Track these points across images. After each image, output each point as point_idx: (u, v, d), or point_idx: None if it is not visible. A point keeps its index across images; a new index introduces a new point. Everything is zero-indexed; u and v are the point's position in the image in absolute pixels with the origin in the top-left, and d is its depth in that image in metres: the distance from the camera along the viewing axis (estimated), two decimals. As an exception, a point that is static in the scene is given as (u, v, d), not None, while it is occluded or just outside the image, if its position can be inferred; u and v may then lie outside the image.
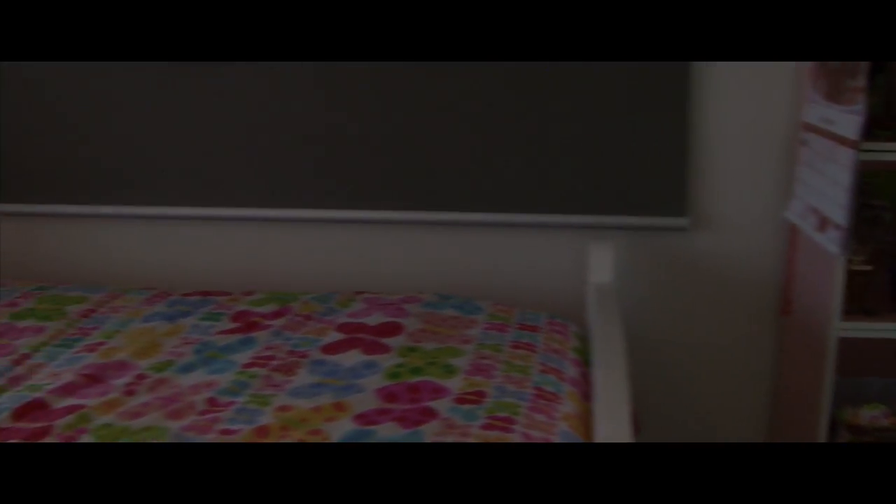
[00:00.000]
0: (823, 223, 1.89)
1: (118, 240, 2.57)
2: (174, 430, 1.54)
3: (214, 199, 2.45)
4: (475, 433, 1.51)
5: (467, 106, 2.27)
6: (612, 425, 1.43)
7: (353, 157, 2.35)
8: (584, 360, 1.91)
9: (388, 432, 1.51)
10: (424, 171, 2.33)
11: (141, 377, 1.78)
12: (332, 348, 1.89)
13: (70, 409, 1.65)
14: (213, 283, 2.50)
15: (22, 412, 1.64)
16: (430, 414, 1.58)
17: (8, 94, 2.45)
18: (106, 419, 1.60)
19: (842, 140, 1.80)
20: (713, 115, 2.24)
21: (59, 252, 2.61)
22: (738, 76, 2.21)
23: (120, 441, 1.50)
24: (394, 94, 2.29)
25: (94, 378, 1.79)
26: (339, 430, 1.52)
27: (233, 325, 2.04)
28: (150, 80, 2.38)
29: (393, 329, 2.00)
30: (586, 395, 1.74)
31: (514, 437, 1.50)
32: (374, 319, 2.05)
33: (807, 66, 2.09)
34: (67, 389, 1.74)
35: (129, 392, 1.72)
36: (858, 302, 1.94)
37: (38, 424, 1.59)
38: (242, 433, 1.52)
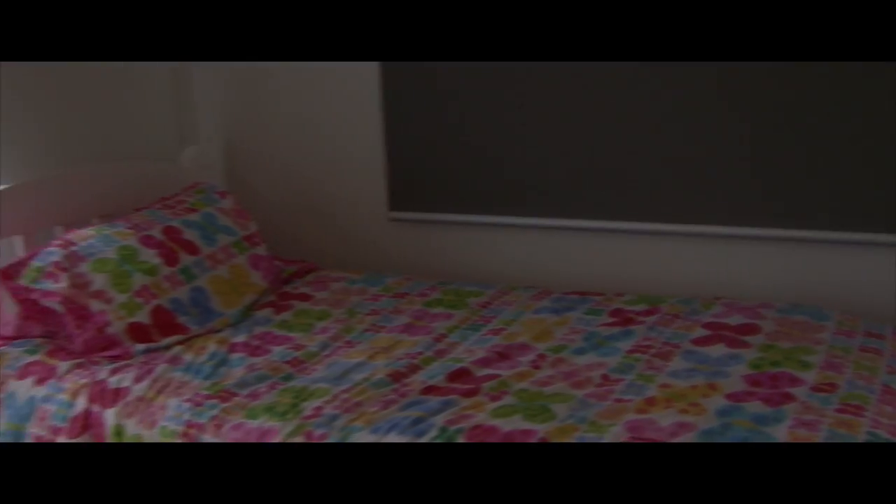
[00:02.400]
0: None
1: (503, 245, 3.09)
2: (578, 397, 2.00)
3: (588, 212, 2.92)
4: (830, 415, 1.85)
5: (804, 118, 2.58)
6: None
7: (715, 174, 2.73)
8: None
9: (755, 409, 1.89)
10: (785, 187, 2.65)
11: (542, 356, 2.27)
12: (700, 342, 2.29)
13: (490, 377, 2.16)
14: (584, 284, 2.95)
15: (454, 376, 2.18)
16: (790, 398, 1.94)
17: (428, 118, 3.05)
18: (521, 385, 2.09)
19: None
20: None
21: (453, 254, 3.18)
22: None
23: (535, 403, 1.98)
24: (765, 113, 2.65)
25: (503, 355, 2.29)
26: (714, 405, 1.91)
27: (611, 320, 2.48)
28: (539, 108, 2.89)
29: (751, 329, 2.36)
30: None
31: (864, 423, 1.82)
32: (734, 320, 2.43)
33: None
34: (484, 362, 2.25)
35: (536, 366, 2.20)
36: None
37: (469, 386, 2.11)
38: (634, 402, 1.95)
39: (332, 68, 3.20)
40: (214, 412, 2.09)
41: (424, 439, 1.84)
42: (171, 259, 2.69)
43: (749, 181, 2.69)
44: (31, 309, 2.58)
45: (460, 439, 1.82)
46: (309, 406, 2.05)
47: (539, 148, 2.93)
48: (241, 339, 2.52)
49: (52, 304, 2.51)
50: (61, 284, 2.50)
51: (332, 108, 3.27)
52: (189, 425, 2.09)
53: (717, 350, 2.23)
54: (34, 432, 2.33)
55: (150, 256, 2.65)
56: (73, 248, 2.60)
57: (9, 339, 2.65)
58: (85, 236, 2.67)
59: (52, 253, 2.58)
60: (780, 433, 1.77)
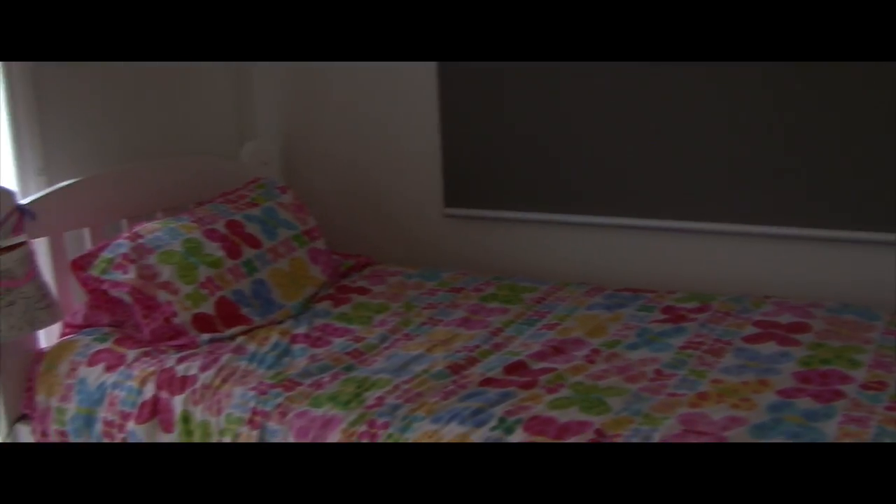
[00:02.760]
0: None
1: (555, 242, 3.17)
2: (632, 390, 2.07)
3: (639, 211, 2.98)
4: (880, 412, 1.91)
5: (855, 117, 2.62)
6: None
7: (766, 175, 2.78)
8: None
9: (805, 405, 1.95)
10: (835, 188, 2.70)
11: (596, 351, 2.34)
12: (750, 339, 2.35)
13: (546, 370, 2.23)
14: (634, 282, 3.01)
15: (511, 369, 2.25)
16: (840, 395, 2.00)
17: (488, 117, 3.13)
18: (577, 379, 2.17)
19: None
20: None
21: (506, 250, 3.26)
22: None
23: (590, 396, 2.05)
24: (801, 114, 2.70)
25: (558, 349, 2.37)
26: (765, 400, 1.97)
27: (663, 317, 2.55)
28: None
29: (801, 328, 2.41)
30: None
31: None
32: (784, 319, 2.48)
33: None
34: (540, 355, 2.33)
35: (590, 361, 2.28)
36: None
37: (525, 378, 2.19)
38: (687, 397, 2.02)
39: (390, 66, 3.29)
40: (279, 400, 2.19)
41: (484, 429, 1.92)
42: (233, 252, 2.79)
43: (798, 181, 2.74)
44: (100, 299, 2.70)
45: (519, 430, 1.90)
46: (371, 396, 2.14)
47: (593, 147, 3.00)
48: (302, 330, 2.61)
49: (121, 294, 2.62)
50: (130, 275, 2.61)
51: (388, 106, 3.36)
52: (255, 412, 2.18)
53: (768, 348, 2.28)
54: (105, 417, 2.44)
55: (214, 249, 2.75)
56: (141, 241, 2.70)
57: (77, 328, 2.77)
58: (151, 229, 2.77)
59: (121, 245, 2.69)
60: (831, 429, 1.83)
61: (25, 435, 2.71)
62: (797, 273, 2.83)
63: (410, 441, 1.96)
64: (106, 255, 2.67)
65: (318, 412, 2.11)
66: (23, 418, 2.75)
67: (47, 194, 2.82)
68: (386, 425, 2.02)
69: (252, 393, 2.24)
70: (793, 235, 2.79)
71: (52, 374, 2.61)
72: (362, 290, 2.94)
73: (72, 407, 2.52)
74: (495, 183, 3.19)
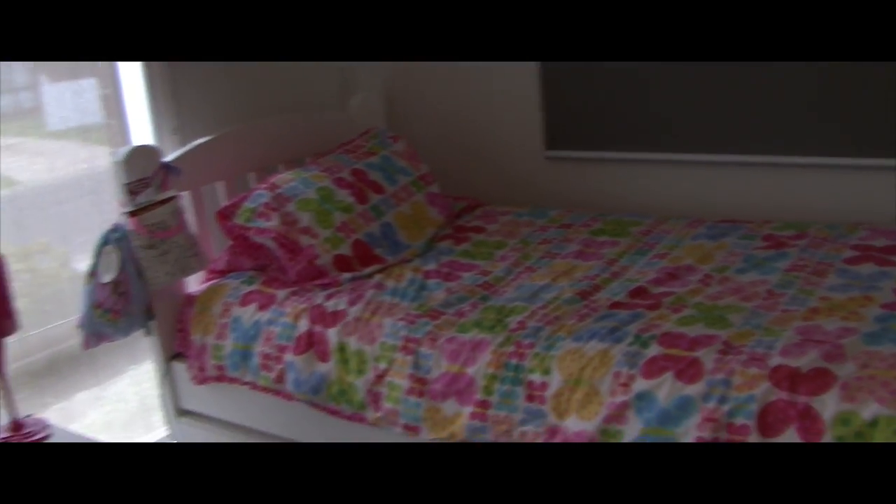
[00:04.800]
0: None
1: (650, 179, 3.44)
2: (749, 308, 2.35)
3: (732, 147, 3.23)
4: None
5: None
6: None
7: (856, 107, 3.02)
8: None
9: (910, 317, 2.22)
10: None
11: (708, 276, 2.62)
12: (850, 261, 2.61)
13: (666, 294, 2.52)
14: (729, 214, 3.27)
15: (634, 293, 2.54)
16: (940, 305, 2.26)
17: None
18: (696, 300, 2.45)
19: None
20: None
21: (604, 188, 3.54)
22: None
23: (712, 314, 2.33)
24: None
25: (672, 275, 2.65)
26: (871, 313, 2.24)
27: (765, 244, 2.82)
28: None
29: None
30: None
31: None
32: (879, 242, 2.73)
33: None
34: (658, 281, 2.62)
35: (705, 284, 2.56)
36: None
37: (649, 301, 2.48)
38: (800, 311, 2.29)
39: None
40: (428, 328, 2.49)
41: (622, 345, 2.21)
42: (361, 198, 3.09)
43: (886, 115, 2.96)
44: (242, 245, 3.02)
45: (654, 344, 2.19)
46: (513, 321, 2.44)
47: (688, 85, 3.25)
48: (431, 267, 2.92)
49: (265, 240, 2.93)
50: (273, 223, 2.92)
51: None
52: (407, 340, 2.49)
53: (867, 268, 2.54)
54: (261, 351, 2.76)
55: (345, 196, 3.06)
56: (279, 191, 3.01)
57: (220, 273, 3.10)
58: (286, 180, 3.08)
59: (261, 195, 3.00)
60: (934, 334, 2.09)
61: (181, 371, 3.06)
62: (882, 202, 3.05)
63: (555, 356, 2.25)
64: (248, 205, 2.98)
65: (467, 337, 2.42)
66: (176, 357, 3.10)
67: (186, 151, 3.13)
68: (531, 345, 2.31)
69: (402, 323, 2.54)
70: (877, 166, 3.01)
71: (206, 315, 2.94)
72: (478, 229, 3.24)
73: (228, 343, 2.85)
74: (593, 125, 3.46)
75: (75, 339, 3.00)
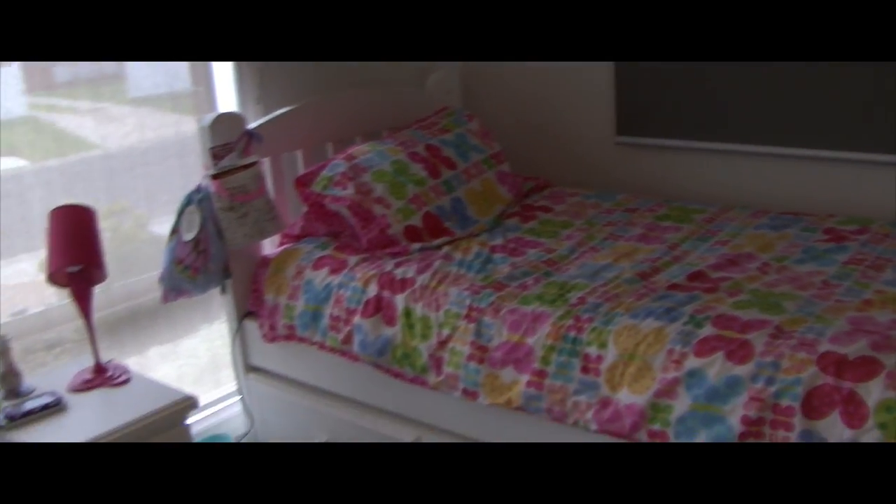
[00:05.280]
0: None
1: (717, 169, 3.51)
2: (804, 297, 2.42)
3: (797, 140, 3.29)
4: None
5: None
6: None
7: None
8: None
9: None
10: None
11: (766, 264, 2.70)
12: (909, 257, 2.67)
13: (724, 279, 2.60)
14: (792, 206, 3.33)
15: (692, 277, 2.63)
16: None
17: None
18: (753, 286, 2.53)
19: None
20: None
21: (670, 176, 3.62)
22: None
23: (768, 300, 2.41)
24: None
25: (732, 262, 2.73)
26: (925, 308, 2.31)
27: (825, 237, 2.88)
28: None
29: (956, 249, 2.72)
30: None
31: None
32: (939, 241, 2.79)
33: None
34: (717, 266, 2.70)
35: (763, 272, 2.64)
36: None
37: (707, 285, 2.56)
38: (853, 303, 2.36)
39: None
40: (492, 299, 2.61)
41: (677, 324, 2.31)
42: (434, 172, 3.22)
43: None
44: (318, 212, 3.16)
45: (708, 325, 2.28)
46: (573, 296, 2.55)
47: (758, 78, 3.31)
48: (498, 242, 3.03)
49: (339, 207, 3.07)
50: (349, 191, 3.06)
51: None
52: (471, 308, 2.61)
53: (926, 265, 2.61)
54: (331, 313, 2.90)
55: (418, 170, 3.18)
56: (355, 161, 3.15)
57: (294, 238, 3.25)
58: (363, 151, 3.22)
59: (339, 165, 3.13)
60: (984, 332, 2.16)
61: (252, 330, 3.21)
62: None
63: (612, 331, 2.35)
64: (325, 173, 3.12)
65: (528, 309, 2.53)
66: (248, 315, 3.25)
67: (269, 120, 3.29)
68: (590, 320, 2.42)
69: (466, 293, 2.66)
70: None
71: (280, 276, 3.09)
72: (545, 209, 3.35)
73: (300, 304, 3.00)
74: (664, 113, 3.54)
75: (153, 294, 3.18)
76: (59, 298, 3.06)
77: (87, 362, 2.88)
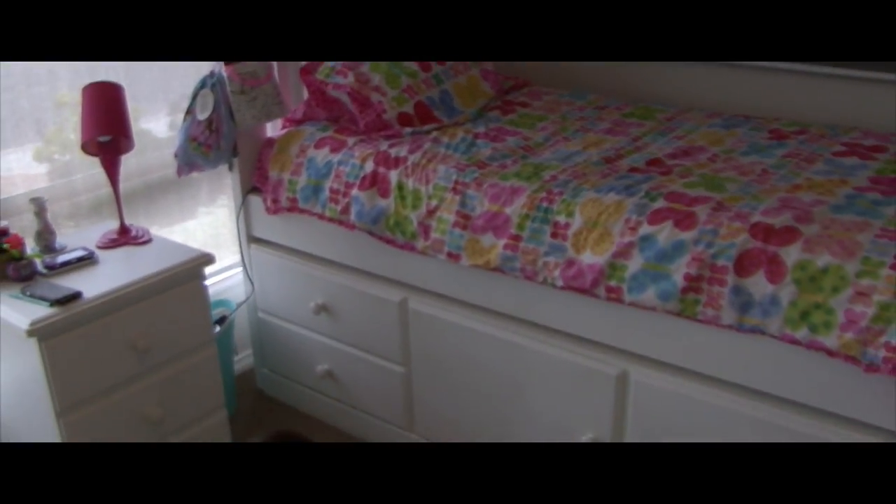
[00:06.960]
0: None
1: (677, 75, 3.90)
2: (744, 181, 2.84)
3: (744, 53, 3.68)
4: (929, 204, 2.66)
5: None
6: None
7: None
8: None
9: (873, 196, 2.68)
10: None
11: (715, 156, 3.11)
12: (838, 154, 3.08)
13: (677, 165, 3.01)
14: (745, 110, 3.74)
15: (651, 163, 3.03)
16: (902, 192, 2.75)
17: None
18: (702, 171, 2.94)
19: None
20: None
21: (638, 80, 4.02)
22: None
23: (713, 182, 2.83)
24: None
25: (686, 152, 3.15)
26: (843, 191, 2.71)
27: (769, 135, 3.30)
28: None
29: (881, 149, 3.12)
30: None
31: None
32: (868, 142, 3.20)
33: None
34: (672, 155, 3.11)
35: (711, 161, 3.05)
36: None
37: (662, 169, 2.98)
38: (785, 186, 2.77)
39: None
40: (475, 175, 3.01)
41: (635, 198, 2.72)
42: (425, 67, 3.60)
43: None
44: (320, 98, 3.53)
45: (661, 199, 2.70)
46: (546, 174, 2.96)
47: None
48: (480, 130, 3.42)
49: (340, 94, 3.45)
50: (349, 80, 3.44)
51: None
52: (457, 182, 3.01)
53: (851, 160, 3.02)
54: (331, 186, 3.30)
55: (411, 63, 3.56)
56: (355, 53, 3.51)
57: (297, 122, 3.62)
58: (361, 45, 3.58)
59: (340, 56, 3.50)
60: (888, 211, 2.58)
61: (256, 204, 3.61)
62: (881, 113, 3.49)
63: (579, 203, 2.77)
64: (328, 63, 3.49)
65: (507, 183, 2.94)
66: (252, 191, 3.64)
67: (276, 13, 3.61)
68: (560, 193, 2.83)
69: (453, 169, 3.06)
70: (881, 79, 3.46)
71: (284, 154, 3.47)
72: (524, 104, 3.74)
73: (302, 179, 3.39)
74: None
75: (166, 170, 3.55)
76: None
77: (113, 225, 3.27)
